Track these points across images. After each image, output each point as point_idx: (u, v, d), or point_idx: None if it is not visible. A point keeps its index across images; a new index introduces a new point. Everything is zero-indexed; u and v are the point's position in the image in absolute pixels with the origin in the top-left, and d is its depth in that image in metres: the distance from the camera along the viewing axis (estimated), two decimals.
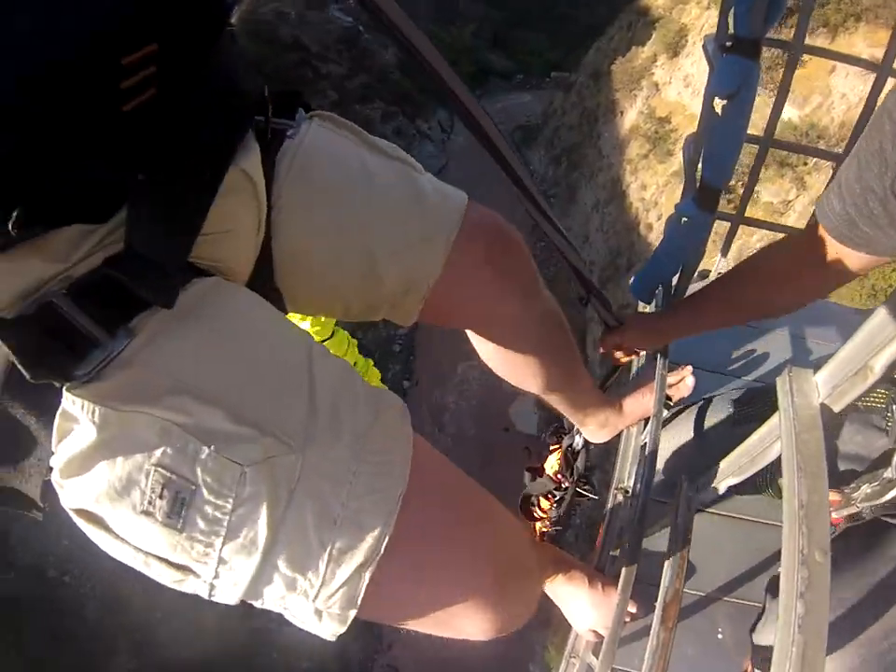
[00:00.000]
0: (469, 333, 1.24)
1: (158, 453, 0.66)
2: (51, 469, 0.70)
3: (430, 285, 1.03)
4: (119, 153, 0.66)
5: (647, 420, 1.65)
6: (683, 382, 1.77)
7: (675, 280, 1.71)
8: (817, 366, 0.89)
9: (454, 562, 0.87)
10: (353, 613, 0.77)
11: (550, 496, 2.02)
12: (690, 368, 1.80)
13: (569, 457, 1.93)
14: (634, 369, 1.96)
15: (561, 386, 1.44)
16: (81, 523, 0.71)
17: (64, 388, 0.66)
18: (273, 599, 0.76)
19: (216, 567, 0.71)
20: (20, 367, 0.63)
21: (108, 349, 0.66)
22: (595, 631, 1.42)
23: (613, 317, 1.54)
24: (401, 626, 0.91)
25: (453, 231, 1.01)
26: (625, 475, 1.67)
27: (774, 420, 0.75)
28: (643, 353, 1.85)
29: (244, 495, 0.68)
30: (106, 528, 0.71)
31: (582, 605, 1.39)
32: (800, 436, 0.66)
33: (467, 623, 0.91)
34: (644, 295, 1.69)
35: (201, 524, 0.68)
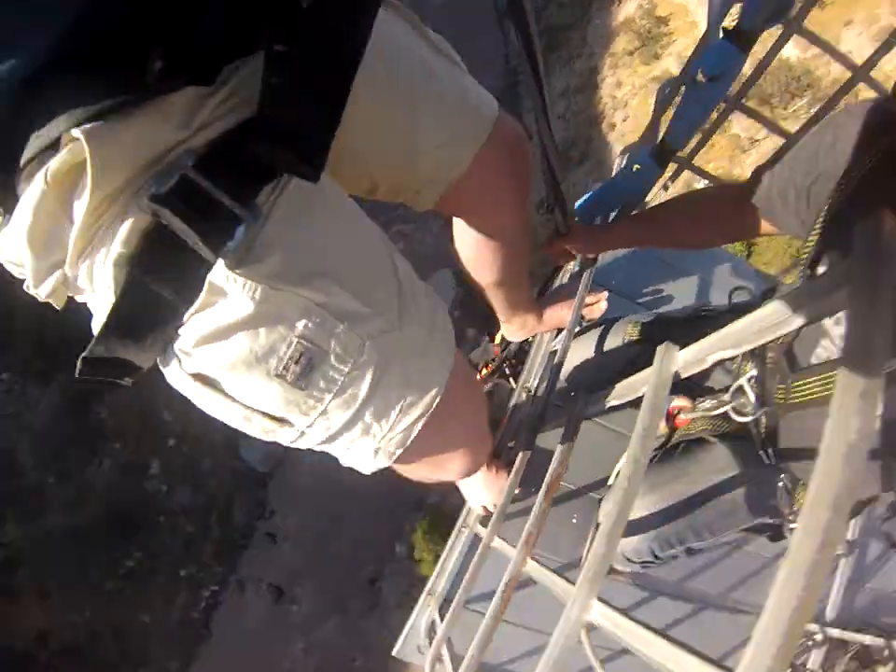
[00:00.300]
0: (456, 221, 1.32)
1: (300, 326, 0.74)
2: (174, 338, 0.74)
3: (453, 180, 1.10)
4: (244, 8, 0.66)
5: (559, 330, 1.83)
6: (598, 304, 1.94)
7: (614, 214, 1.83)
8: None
9: (463, 419, 1.09)
10: (400, 451, 0.92)
11: (489, 364, 2.21)
12: (606, 294, 1.97)
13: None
14: (557, 282, 2.09)
15: (509, 285, 1.56)
16: (195, 386, 0.78)
17: (223, 265, 0.68)
18: (343, 442, 0.87)
19: (315, 418, 0.82)
20: (191, 237, 0.65)
21: (251, 225, 0.68)
22: (485, 507, 1.64)
23: (566, 225, 1.62)
24: (408, 466, 1.05)
25: (485, 133, 1.07)
26: (531, 376, 1.84)
27: (647, 371, 0.91)
28: (572, 263, 2.00)
29: (359, 361, 0.79)
30: (220, 390, 0.79)
31: (477, 483, 1.57)
32: (656, 389, 0.84)
33: (456, 465, 1.14)
34: (586, 217, 1.78)
35: (321, 383, 0.78)
